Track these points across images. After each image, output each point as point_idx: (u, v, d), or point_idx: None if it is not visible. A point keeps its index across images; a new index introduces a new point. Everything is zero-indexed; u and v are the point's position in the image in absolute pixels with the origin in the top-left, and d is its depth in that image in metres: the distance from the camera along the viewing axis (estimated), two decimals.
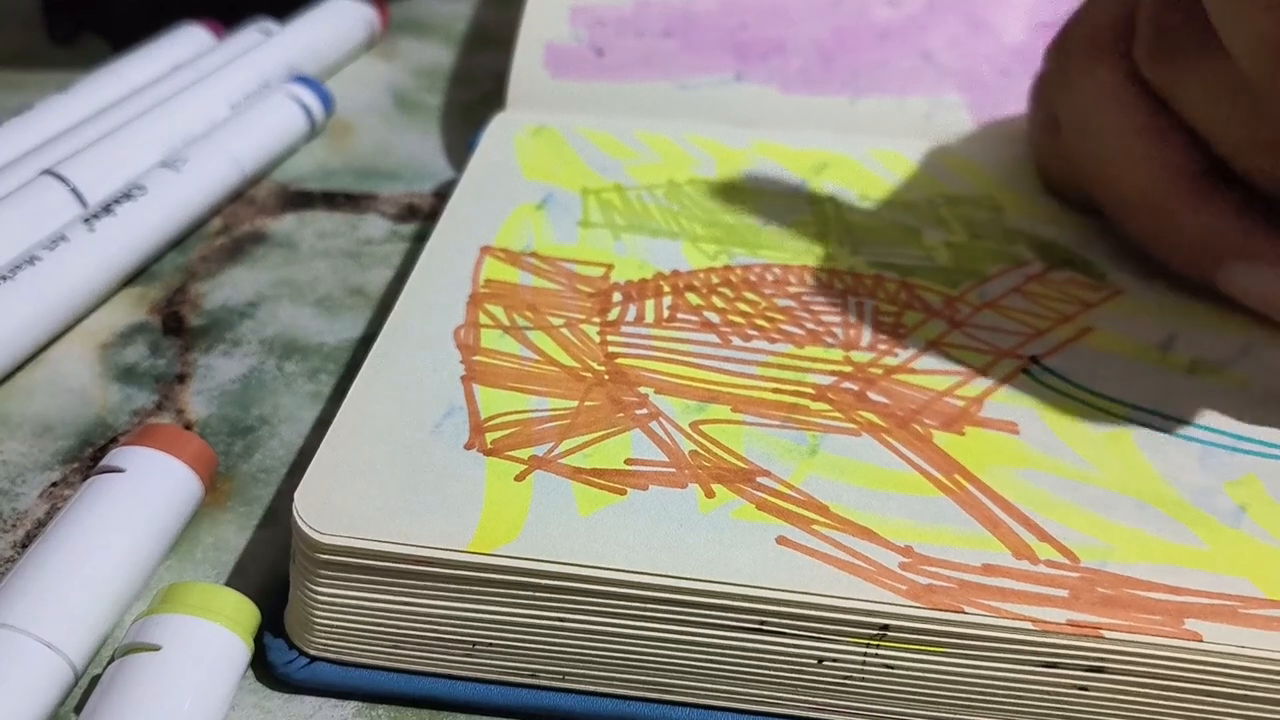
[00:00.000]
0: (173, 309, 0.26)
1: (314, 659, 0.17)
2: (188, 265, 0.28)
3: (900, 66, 0.33)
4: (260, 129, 0.31)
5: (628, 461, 0.19)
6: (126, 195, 0.27)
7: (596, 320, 0.23)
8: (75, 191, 0.27)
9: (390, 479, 0.18)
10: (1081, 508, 0.19)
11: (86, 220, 0.25)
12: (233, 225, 0.29)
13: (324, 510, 0.17)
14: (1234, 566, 0.18)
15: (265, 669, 0.18)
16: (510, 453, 0.19)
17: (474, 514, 0.17)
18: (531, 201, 0.27)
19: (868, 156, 0.30)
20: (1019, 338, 0.23)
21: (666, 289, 0.24)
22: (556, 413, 0.20)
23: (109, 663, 0.16)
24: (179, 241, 0.28)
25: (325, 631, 0.17)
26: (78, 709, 0.17)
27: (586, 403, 0.20)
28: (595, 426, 0.20)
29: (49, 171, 0.27)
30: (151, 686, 0.16)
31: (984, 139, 0.31)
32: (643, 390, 0.21)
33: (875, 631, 0.16)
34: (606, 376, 0.21)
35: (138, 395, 0.23)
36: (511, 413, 0.20)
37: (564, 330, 0.22)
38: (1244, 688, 0.16)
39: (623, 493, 0.18)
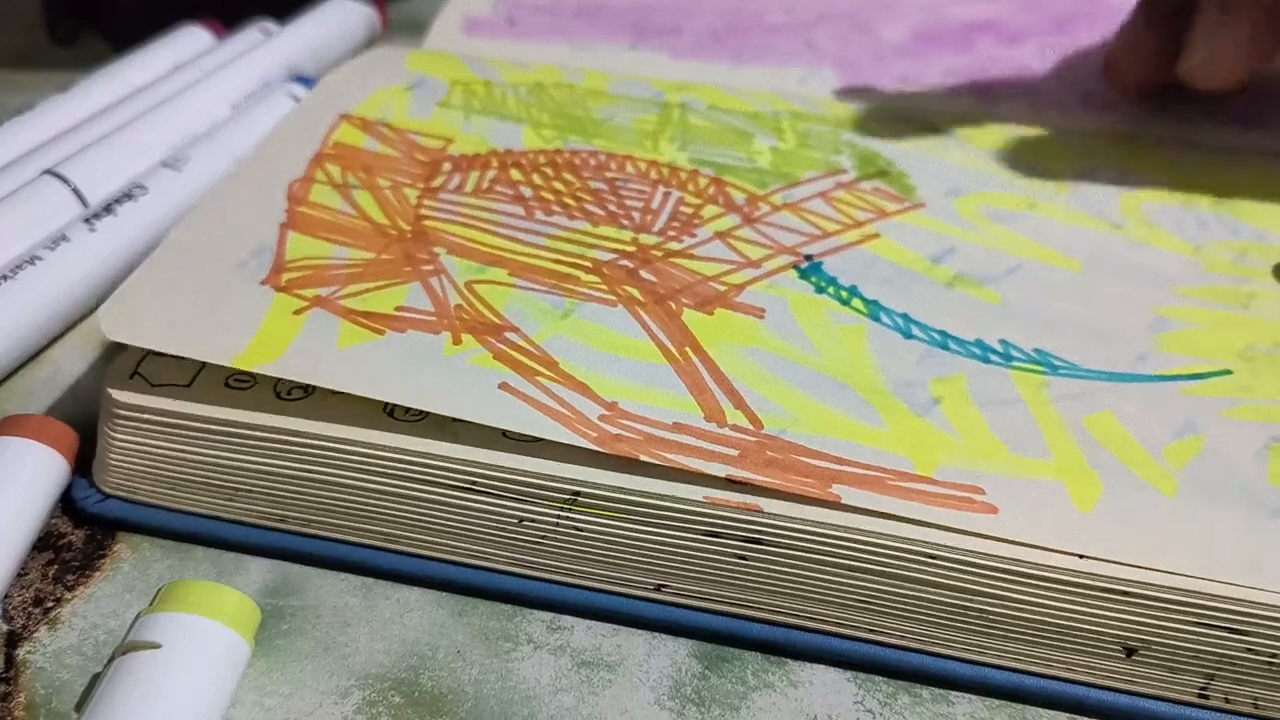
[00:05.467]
0: None
1: (108, 496, 0.20)
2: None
3: (783, 49, 0.37)
4: (260, 129, 0.31)
5: (398, 308, 0.21)
6: (127, 195, 0.27)
7: (420, 186, 0.24)
8: (76, 191, 0.27)
9: (187, 302, 0.20)
10: (787, 384, 0.20)
11: (88, 220, 0.26)
12: None
13: (123, 322, 0.19)
14: (902, 447, 0.19)
15: (69, 504, 0.20)
16: (299, 291, 0.21)
17: (247, 337, 0.19)
18: (402, 84, 0.29)
19: (734, 87, 0.32)
20: (804, 238, 0.24)
21: (494, 164, 0.26)
22: (352, 262, 0.22)
23: (109, 661, 0.17)
24: None
25: (118, 473, 0.20)
26: (78, 707, 0.17)
27: (382, 256, 0.22)
28: (381, 276, 0.21)
29: (50, 171, 0.27)
30: (152, 685, 0.16)
31: (852, 91, 0.33)
32: (435, 250, 0.22)
33: (567, 497, 0.18)
34: (409, 235, 0.23)
35: None
36: (313, 258, 0.22)
37: (387, 192, 0.24)
38: (881, 563, 0.18)
39: (381, 333, 0.20)
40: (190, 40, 0.36)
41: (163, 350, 0.19)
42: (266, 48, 0.35)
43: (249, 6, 0.38)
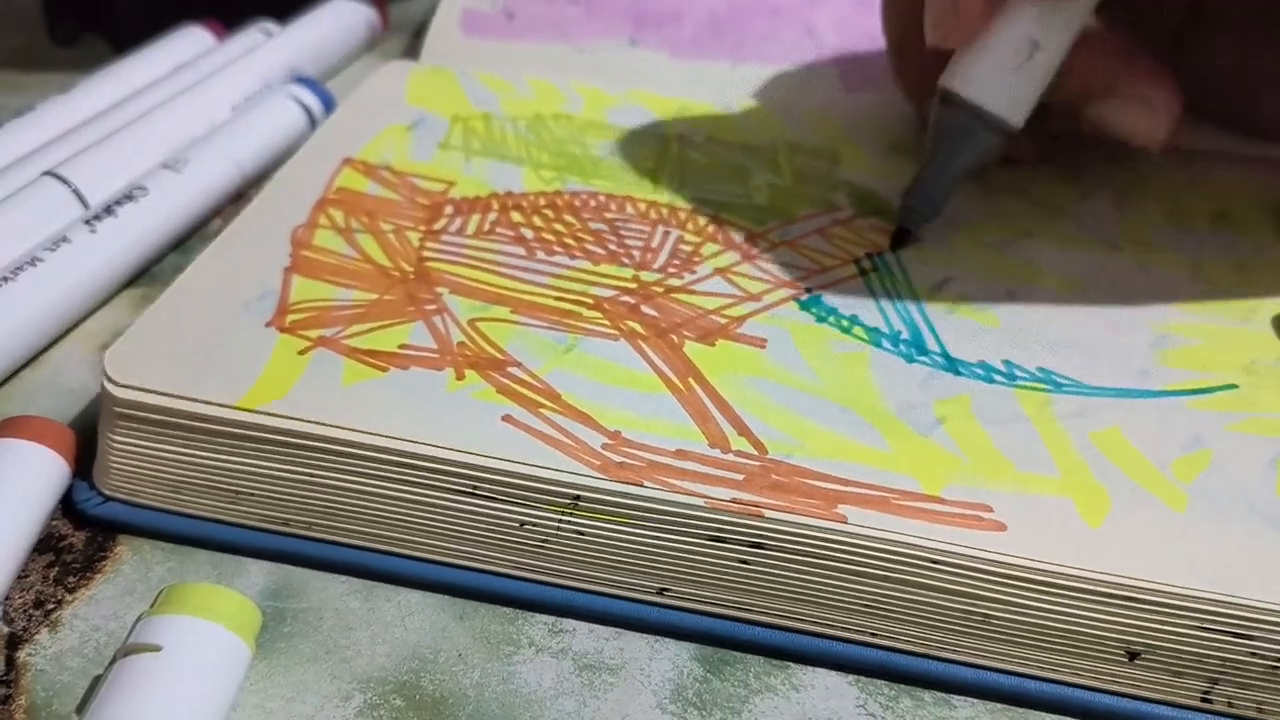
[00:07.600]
0: None
1: (108, 499, 0.20)
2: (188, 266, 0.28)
3: (784, 39, 0.36)
4: (261, 130, 0.31)
5: (401, 347, 0.21)
6: (128, 196, 0.27)
7: (422, 229, 0.25)
8: (76, 192, 0.27)
9: (192, 345, 0.20)
10: (790, 410, 0.20)
11: (88, 221, 0.25)
12: None
13: (129, 365, 0.19)
14: (907, 467, 0.19)
15: (70, 507, 0.20)
16: (303, 332, 0.21)
17: (252, 377, 0.19)
18: (403, 123, 0.29)
19: (731, 106, 0.32)
20: (803, 272, 0.24)
21: (495, 207, 0.26)
22: (355, 303, 0.22)
23: (110, 663, 0.16)
24: (180, 242, 0.28)
25: (118, 475, 0.20)
26: (79, 709, 0.17)
27: (385, 297, 0.22)
28: (384, 316, 0.21)
29: (50, 173, 0.27)
30: (153, 687, 0.16)
31: (846, 99, 0.33)
32: (438, 290, 0.23)
33: (569, 501, 0.18)
34: (412, 276, 0.23)
35: None
36: (317, 300, 0.22)
37: (390, 235, 0.24)
38: (884, 568, 0.18)
39: (384, 370, 0.20)
40: (190, 41, 0.36)
41: (167, 392, 0.19)
42: (267, 48, 0.35)
43: (249, 7, 0.38)
